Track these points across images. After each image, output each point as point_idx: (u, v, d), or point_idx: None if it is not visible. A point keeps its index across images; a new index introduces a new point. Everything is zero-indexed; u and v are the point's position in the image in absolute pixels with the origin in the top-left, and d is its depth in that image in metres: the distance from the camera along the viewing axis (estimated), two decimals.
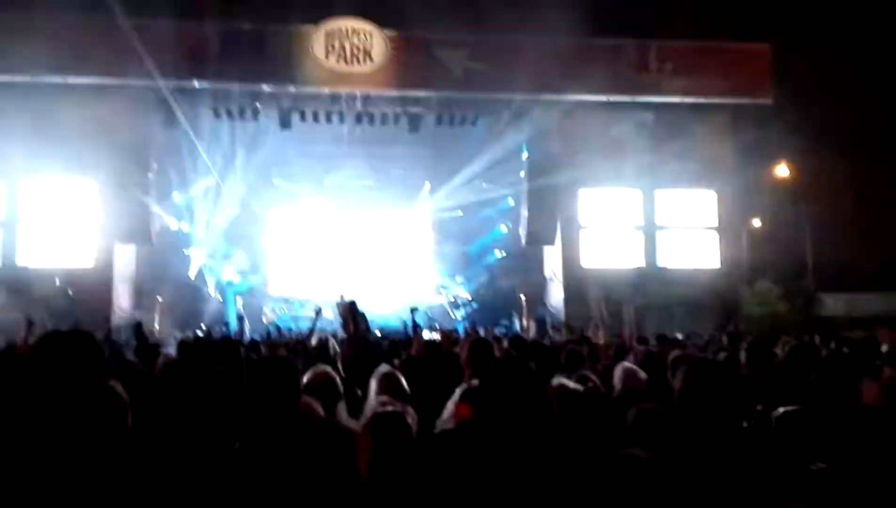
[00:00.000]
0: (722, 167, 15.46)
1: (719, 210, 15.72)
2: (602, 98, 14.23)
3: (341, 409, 3.25)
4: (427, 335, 10.04)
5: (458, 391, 3.36)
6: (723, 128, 15.27)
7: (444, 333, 7.48)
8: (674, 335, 11.83)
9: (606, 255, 15.43)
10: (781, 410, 2.83)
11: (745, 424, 2.72)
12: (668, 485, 1.92)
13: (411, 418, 2.45)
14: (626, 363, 4.27)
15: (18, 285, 13.08)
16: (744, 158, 15.56)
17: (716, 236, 15.72)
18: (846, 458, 2.41)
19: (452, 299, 19.13)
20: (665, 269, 15.29)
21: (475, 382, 3.06)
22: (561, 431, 2.80)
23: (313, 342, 5.40)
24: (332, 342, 4.89)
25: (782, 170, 17.78)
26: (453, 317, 18.69)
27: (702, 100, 14.52)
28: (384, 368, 3.81)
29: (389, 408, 2.49)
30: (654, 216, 15.63)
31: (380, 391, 3.52)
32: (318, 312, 10.52)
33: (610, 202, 15.61)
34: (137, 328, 8.12)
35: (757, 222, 19.34)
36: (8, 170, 13.77)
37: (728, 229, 15.90)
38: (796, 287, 16.57)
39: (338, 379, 3.34)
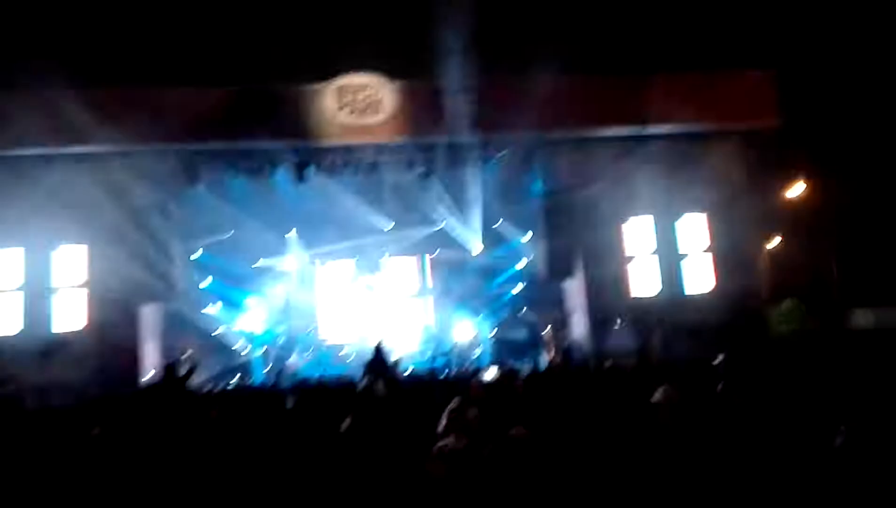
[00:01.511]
0: (736, 190, 15.48)
1: (736, 233, 15.68)
2: (608, 133, 14.41)
3: None
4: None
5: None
6: (733, 152, 15.33)
7: (502, 372, 7.56)
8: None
9: (630, 284, 15.43)
10: None
11: None
12: None
13: None
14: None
15: (51, 349, 13.45)
16: (758, 181, 15.57)
17: (734, 258, 15.65)
18: None
19: (474, 337, 19.17)
20: (689, 295, 15.25)
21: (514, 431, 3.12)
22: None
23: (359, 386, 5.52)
24: (379, 383, 5.01)
25: (797, 189, 17.74)
26: (475, 354, 18.73)
27: (709, 128, 14.64)
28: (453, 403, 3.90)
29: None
30: (674, 244, 15.65)
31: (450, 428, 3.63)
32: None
33: (628, 232, 15.66)
34: (168, 371, 8.43)
35: (775, 243, 19.23)
36: (34, 241, 14.16)
37: (747, 251, 15.84)
38: (823, 303, 16.43)
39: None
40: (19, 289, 14.32)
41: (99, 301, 14.10)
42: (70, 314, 14.38)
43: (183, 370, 9.09)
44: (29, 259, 14.33)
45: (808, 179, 17.69)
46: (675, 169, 14.60)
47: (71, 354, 13.39)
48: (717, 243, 15.61)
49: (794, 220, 17.97)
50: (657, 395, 4.13)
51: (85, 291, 14.38)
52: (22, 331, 14.08)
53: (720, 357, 11.87)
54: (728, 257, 15.50)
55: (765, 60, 14.74)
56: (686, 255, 15.76)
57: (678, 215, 15.62)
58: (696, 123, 14.48)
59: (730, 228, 15.45)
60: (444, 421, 3.75)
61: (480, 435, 3.44)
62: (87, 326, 14.09)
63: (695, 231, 15.81)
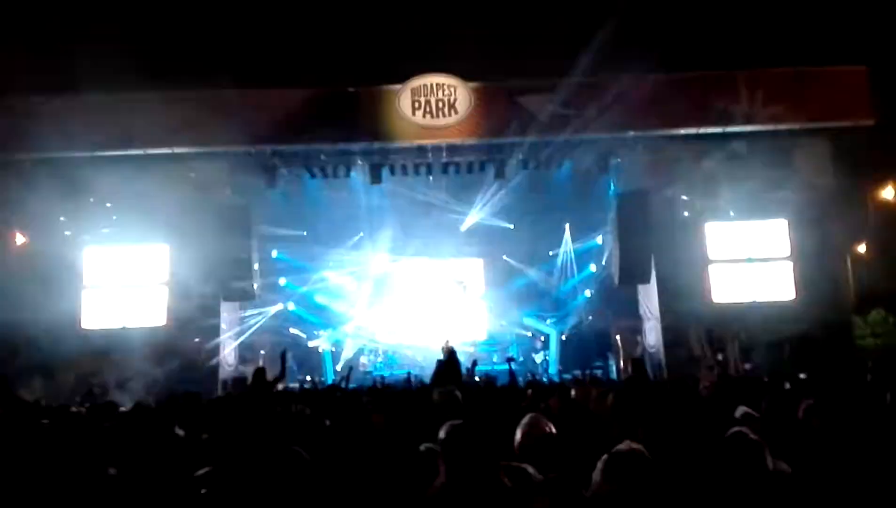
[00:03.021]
0: (822, 193, 14.82)
1: (821, 238, 14.97)
2: (691, 131, 14.00)
3: None
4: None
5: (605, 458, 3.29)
6: (821, 153, 14.68)
7: (579, 384, 7.39)
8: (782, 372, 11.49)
9: (707, 290, 14.93)
10: None
11: None
12: None
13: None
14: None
15: (133, 346, 13.90)
16: (846, 183, 14.86)
17: (818, 264, 14.94)
18: None
19: (542, 342, 18.97)
20: (770, 304, 14.65)
21: (623, 446, 2.98)
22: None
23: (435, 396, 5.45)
24: (457, 393, 4.93)
25: (888, 193, 16.85)
26: (541, 360, 18.52)
27: (796, 126, 14.05)
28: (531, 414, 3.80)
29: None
30: (755, 249, 15.07)
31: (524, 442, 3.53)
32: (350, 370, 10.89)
33: (708, 235, 15.14)
34: (259, 374, 8.58)
35: (862, 249, 18.32)
36: (124, 237, 14.73)
37: (832, 256, 15.12)
38: None
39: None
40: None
41: (180, 299, 14.56)
42: (151, 311, 14.86)
43: (270, 374, 9.20)
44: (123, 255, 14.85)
45: None
46: (759, 170, 14.08)
47: (152, 350, 13.81)
48: (801, 249, 14.93)
49: (884, 225, 17.06)
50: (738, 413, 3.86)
51: (166, 288, 14.86)
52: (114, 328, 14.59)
53: (803, 376, 11.38)
54: (812, 263, 14.80)
55: (857, 56, 14.06)
56: (768, 260, 15.13)
57: (761, 219, 14.99)
58: (784, 121, 13.88)
59: (815, 232, 14.77)
60: (518, 437, 3.61)
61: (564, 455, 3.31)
62: (167, 323, 14.51)
63: (777, 236, 15.17)
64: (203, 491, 3.50)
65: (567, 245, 18.07)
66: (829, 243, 14.99)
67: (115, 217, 14.60)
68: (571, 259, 18.42)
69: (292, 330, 17.73)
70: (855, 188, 15.60)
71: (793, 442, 3.66)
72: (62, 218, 14.55)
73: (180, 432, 5.27)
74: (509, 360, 12.26)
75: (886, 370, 10.74)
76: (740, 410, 4.64)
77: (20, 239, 14.57)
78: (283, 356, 9.86)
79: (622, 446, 2.69)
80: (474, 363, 11.94)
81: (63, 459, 3.97)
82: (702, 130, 13.95)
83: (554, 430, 3.57)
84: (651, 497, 2.43)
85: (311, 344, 17.98)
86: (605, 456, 2.59)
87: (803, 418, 4.17)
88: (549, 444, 3.49)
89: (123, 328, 14.38)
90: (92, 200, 14.35)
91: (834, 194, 14.87)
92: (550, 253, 18.47)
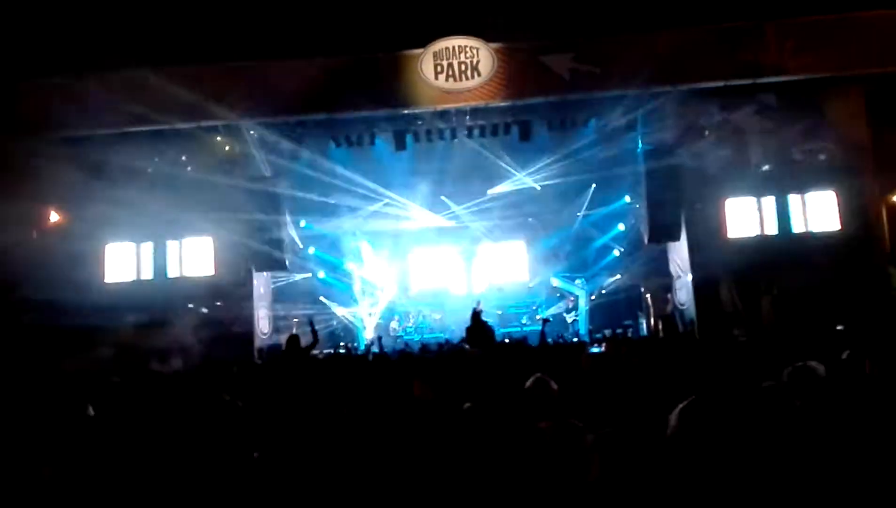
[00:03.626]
0: (856, 144, 14.47)
1: (856, 189, 14.64)
2: (719, 84, 13.70)
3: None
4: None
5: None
6: (854, 102, 14.30)
7: (610, 341, 7.46)
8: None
9: (734, 236, 14.70)
10: None
11: None
12: None
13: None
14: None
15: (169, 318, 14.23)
16: (879, 133, 14.47)
17: (853, 217, 14.63)
18: None
19: (571, 304, 18.99)
20: (804, 239, 14.28)
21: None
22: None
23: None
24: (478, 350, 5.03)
25: None
26: (572, 320, 18.56)
27: (827, 75, 13.67)
28: (536, 375, 3.89)
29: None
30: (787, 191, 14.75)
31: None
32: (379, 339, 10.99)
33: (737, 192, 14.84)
34: (293, 341, 8.79)
35: None
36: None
37: (866, 208, 14.80)
38: None
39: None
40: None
41: (215, 269, 14.88)
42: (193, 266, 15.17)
43: (304, 341, 9.40)
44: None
45: None
46: (790, 123, 13.78)
47: (189, 318, 14.15)
48: (838, 197, 14.59)
49: None
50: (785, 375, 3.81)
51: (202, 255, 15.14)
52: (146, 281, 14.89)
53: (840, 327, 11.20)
54: (847, 215, 14.52)
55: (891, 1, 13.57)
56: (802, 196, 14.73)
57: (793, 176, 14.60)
58: (815, 71, 13.50)
59: (850, 184, 14.45)
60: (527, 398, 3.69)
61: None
62: (204, 292, 14.79)
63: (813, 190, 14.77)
64: (255, 455, 3.63)
65: (594, 205, 17.91)
66: (864, 195, 14.68)
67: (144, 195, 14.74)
68: (599, 218, 18.30)
69: (323, 299, 17.98)
70: (889, 138, 15.20)
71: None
72: (91, 197, 14.74)
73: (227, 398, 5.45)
74: (544, 321, 12.37)
75: None
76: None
77: (54, 217, 14.90)
78: (311, 323, 10.08)
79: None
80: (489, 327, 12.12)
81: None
82: (730, 83, 13.64)
83: (556, 388, 3.68)
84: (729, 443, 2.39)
85: (340, 311, 18.23)
86: (680, 405, 2.55)
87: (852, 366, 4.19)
88: (555, 403, 3.58)
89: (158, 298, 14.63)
90: (120, 178, 14.51)
91: (868, 145, 14.52)
92: (578, 214, 18.35)
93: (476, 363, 5.01)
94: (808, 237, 14.45)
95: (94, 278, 14.86)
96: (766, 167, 14.51)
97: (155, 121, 13.84)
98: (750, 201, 14.65)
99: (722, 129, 14.14)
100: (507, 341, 15.40)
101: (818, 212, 14.63)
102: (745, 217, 14.66)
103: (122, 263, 15.24)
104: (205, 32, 13.33)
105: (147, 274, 15.14)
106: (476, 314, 12.95)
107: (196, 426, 4.39)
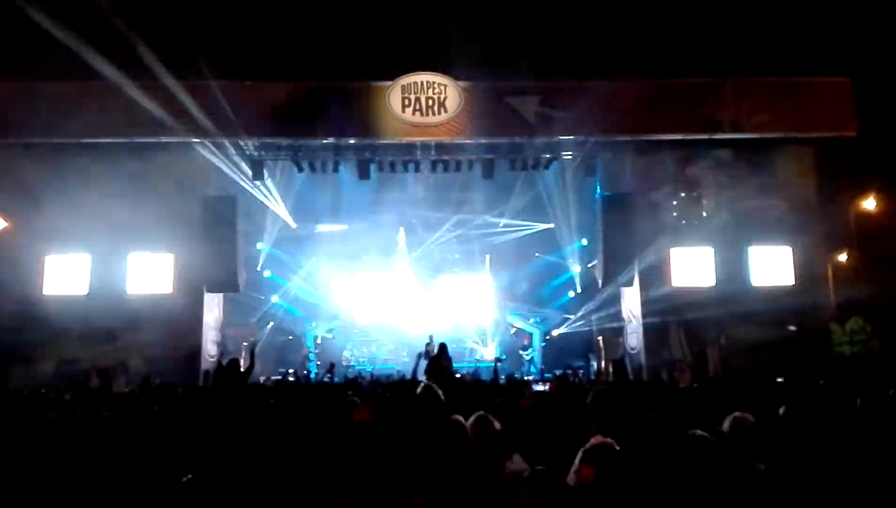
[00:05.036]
0: (805, 202, 15.03)
1: (803, 247, 15.15)
2: (677, 137, 14.11)
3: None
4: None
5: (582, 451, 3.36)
6: (805, 162, 14.89)
7: (554, 381, 7.48)
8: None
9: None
10: None
11: None
12: None
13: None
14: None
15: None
16: (829, 192, 15.07)
17: (799, 273, 15.11)
18: None
19: (525, 342, 19.08)
20: (752, 298, 14.67)
21: (596, 440, 3.08)
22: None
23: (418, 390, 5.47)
24: (435, 388, 4.97)
25: (870, 203, 17.07)
26: (525, 359, 18.62)
27: (782, 135, 14.21)
28: (478, 413, 3.88)
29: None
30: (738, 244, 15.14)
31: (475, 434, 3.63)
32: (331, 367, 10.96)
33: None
34: (232, 365, 8.59)
35: (843, 257, 18.56)
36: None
37: (813, 265, 15.31)
38: (891, 324, 15.75)
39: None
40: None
41: (166, 284, 14.54)
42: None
43: (244, 365, 9.23)
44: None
45: (881, 192, 17.00)
46: (744, 178, 14.24)
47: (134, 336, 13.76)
48: (794, 249, 15.05)
49: (865, 234, 17.29)
50: (726, 424, 3.90)
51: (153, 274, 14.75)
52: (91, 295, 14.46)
53: (780, 379, 11.52)
54: (794, 271, 15.00)
55: (842, 68, 14.22)
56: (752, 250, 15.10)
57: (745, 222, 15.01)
58: (770, 130, 14.02)
59: (797, 241, 14.95)
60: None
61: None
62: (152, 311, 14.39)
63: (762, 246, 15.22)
64: (187, 478, 3.54)
65: (552, 245, 18.13)
66: (811, 252, 15.20)
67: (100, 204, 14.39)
68: (556, 259, 18.52)
69: (276, 323, 17.70)
70: (839, 198, 15.83)
71: (770, 444, 3.77)
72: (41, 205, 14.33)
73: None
74: (497, 361, 12.37)
75: (860, 377, 10.91)
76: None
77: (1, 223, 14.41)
78: (252, 348, 9.94)
79: (595, 440, 2.80)
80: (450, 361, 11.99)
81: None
82: (688, 137, 14.07)
83: (499, 427, 3.70)
84: (626, 489, 2.55)
85: (293, 338, 17.96)
86: (582, 449, 2.69)
87: (781, 421, 4.26)
88: (496, 441, 3.60)
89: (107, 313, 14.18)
90: (75, 187, 14.14)
91: (816, 203, 15.09)
92: (536, 254, 18.54)
93: (435, 398, 4.95)
94: (757, 290, 14.81)
95: (34, 290, 14.35)
96: (719, 220, 14.90)
97: (113, 133, 13.63)
98: (702, 251, 15.01)
99: (678, 180, 14.52)
100: (462, 376, 15.32)
101: (769, 266, 15.06)
102: (697, 267, 15.00)
103: (64, 275, 14.72)
104: (172, 47, 13.19)
105: (86, 288, 14.59)
106: (442, 348, 12.78)
107: (125, 450, 4.27)
